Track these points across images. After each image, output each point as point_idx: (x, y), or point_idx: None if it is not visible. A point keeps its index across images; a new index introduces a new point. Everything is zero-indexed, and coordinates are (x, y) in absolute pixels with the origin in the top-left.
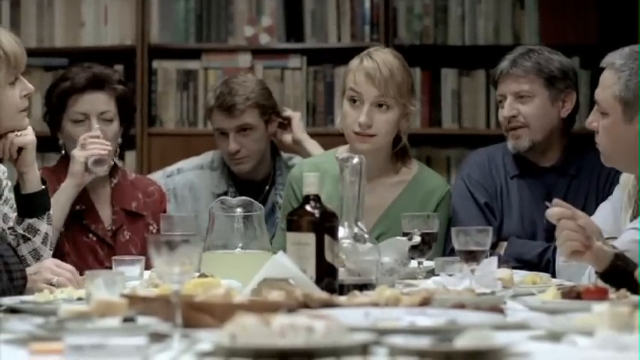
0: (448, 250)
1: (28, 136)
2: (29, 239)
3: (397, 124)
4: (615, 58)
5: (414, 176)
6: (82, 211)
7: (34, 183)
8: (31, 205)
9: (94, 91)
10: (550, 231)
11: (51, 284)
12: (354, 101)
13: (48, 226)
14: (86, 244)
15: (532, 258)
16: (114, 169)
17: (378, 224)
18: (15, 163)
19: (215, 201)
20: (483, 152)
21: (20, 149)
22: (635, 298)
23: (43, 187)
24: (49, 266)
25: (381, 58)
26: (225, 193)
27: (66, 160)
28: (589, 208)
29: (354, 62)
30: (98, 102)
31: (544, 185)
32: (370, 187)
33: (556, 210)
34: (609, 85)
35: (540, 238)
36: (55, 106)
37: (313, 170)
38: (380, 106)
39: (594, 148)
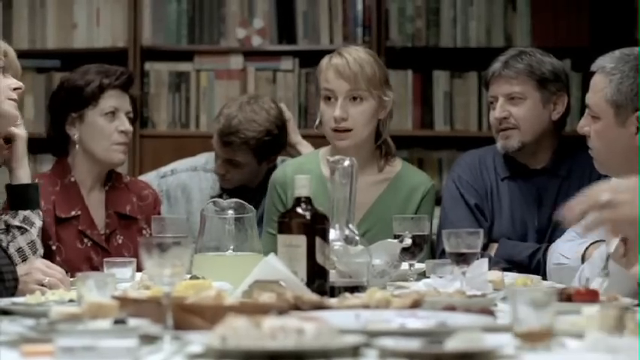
0: (439, 251)
1: (19, 129)
2: (26, 230)
3: (374, 115)
4: (606, 62)
5: (397, 173)
6: (77, 217)
7: (24, 178)
8: (23, 198)
9: (124, 90)
10: (541, 231)
11: (42, 285)
12: (329, 99)
13: (40, 222)
14: (81, 251)
15: (523, 259)
16: (109, 173)
17: (362, 222)
18: (4, 161)
19: (207, 202)
20: (474, 154)
21: (9, 142)
22: (624, 300)
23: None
24: (40, 267)
25: (351, 54)
26: (220, 195)
27: (63, 162)
28: None
29: (324, 61)
30: (126, 101)
31: (535, 187)
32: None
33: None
34: (601, 89)
35: (531, 240)
36: (85, 100)
37: (297, 171)
38: (354, 99)
39: (585, 150)
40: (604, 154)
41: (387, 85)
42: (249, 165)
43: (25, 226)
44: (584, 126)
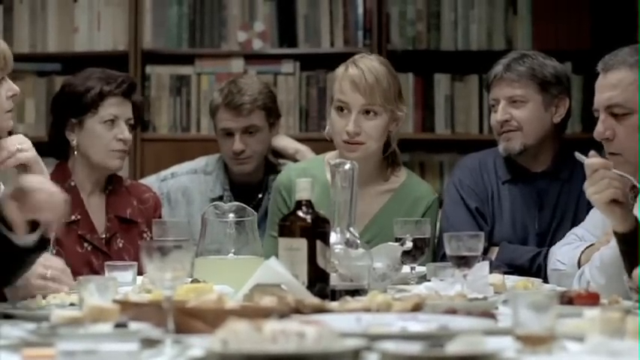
0: (439, 257)
1: (28, 152)
2: None
3: (386, 130)
4: (624, 56)
5: (401, 184)
6: (76, 221)
7: None
8: None
9: (125, 97)
10: (541, 235)
11: (44, 278)
12: (342, 109)
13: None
14: (81, 255)
15: (523, 263)
16: (110, 177)
17: (364, 232)
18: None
19: (208, 206)
20: (475, 157)
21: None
22: (626, 303)
23: None
24: (39, 261)
25: (367, 65)
26: (221, 197)
27: (63, 167)
28: (580, 214)
29: (340, 70)
30: (127, 108)
31: (536, 190)
32: (358, 194)
33: (596, 160)
34: (630, 82)
35: (532, 243)
36: (85, 107)
37: (301, 175)
38: (367, 112)
39: (585, 153)
40: None
41: (401, 99)
42: (264, 130)
43: None
44: (607, 129)
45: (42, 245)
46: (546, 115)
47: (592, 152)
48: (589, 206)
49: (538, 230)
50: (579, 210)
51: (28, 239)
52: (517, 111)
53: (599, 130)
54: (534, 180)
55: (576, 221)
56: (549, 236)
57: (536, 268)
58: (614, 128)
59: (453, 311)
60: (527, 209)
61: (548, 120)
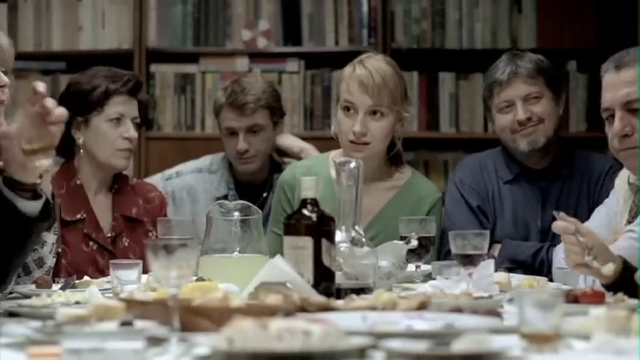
0: (442, 256)
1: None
2: (35, 249)
3: (392, 130)
4: (636, 54)
5: (406, 182)
6: (82, 220)
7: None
8: None
9: (131, 96)
10: (544, 232)
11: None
12: (348, 109)
13: (54, 236)
14: (87, 254)
15: (526, 258)
16: (115, 176)
17: (368, 228)
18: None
19: (213, 204)
20: (475, 157)
21: None
22: (632, 301)
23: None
24: None
25: (374, 66)
26: (226, 197)
27: (69, 165)
28: (580, 211)
29: (347, 70)
30: (133, 107)
31: (537, 188)
32: (363, 191)
33: (559, 224)
34: None
35: (533, 240)
36: (90, 105)
37: (306, 174)
38: (374, 113)
39: (582, 151)
40: None
41: (407, 100)
42: (268, 129)
43: (36, 246)
44: (626, 125)
45: (46, 214)
46: (556, 109)
47: (561, 214)
48: (589, 203)
49: (540, 227)
50: (579, 207)
51: (34, 206)
52: (534, 107)
53: (618, 128)
54: (536, 177)
55: (577, 218)
56: (551, 233)
57: (539, 264)
58: (633, 124)
59: (458, 310)
60: (530, 207)
61: (558, 113)
